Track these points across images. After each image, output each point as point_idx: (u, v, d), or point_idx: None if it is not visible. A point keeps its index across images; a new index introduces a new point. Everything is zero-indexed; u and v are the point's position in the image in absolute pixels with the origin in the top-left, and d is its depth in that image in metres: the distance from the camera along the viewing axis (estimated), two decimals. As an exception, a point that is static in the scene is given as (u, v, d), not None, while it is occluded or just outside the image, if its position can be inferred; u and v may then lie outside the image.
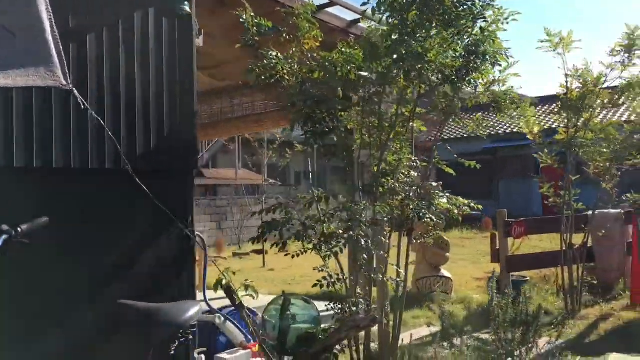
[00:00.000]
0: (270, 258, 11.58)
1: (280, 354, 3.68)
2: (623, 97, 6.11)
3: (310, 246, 3.90)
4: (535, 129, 6.45)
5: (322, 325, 3.86)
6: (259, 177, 20.62)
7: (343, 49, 4.02)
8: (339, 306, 4.02)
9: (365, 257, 3.84)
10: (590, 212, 7.15)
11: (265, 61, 4.03)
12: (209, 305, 4.38)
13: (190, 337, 2.75)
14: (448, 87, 4.37)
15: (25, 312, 2.98)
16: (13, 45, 2.24)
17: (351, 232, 3.72)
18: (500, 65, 4.10)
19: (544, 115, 19.43)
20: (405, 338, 5.32)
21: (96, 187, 3.30)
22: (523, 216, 7.67)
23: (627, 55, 5.85)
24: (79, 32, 3.23)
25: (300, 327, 3.72)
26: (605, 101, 6.14)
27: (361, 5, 4.27)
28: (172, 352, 2.61)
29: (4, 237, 2.09)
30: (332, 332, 3.54)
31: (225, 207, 18.36)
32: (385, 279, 4.13)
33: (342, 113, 4.19)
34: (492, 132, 22.61)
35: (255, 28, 3.91)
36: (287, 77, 4.16)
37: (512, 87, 4.49)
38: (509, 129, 20.69)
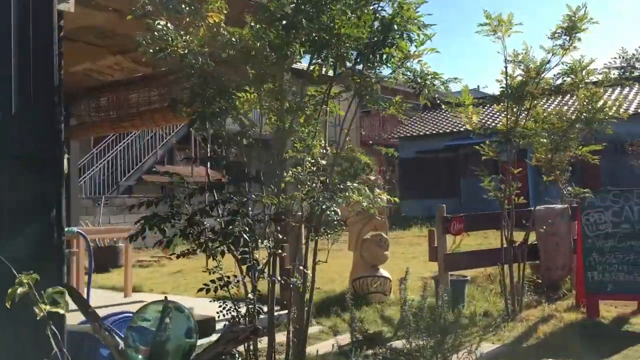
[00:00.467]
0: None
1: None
2: (565, 84, 5.72)
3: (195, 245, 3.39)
4: (474, 118, 6.03)
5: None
6: (218, 174, 20.00)
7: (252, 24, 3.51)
8: (227, 312, 3.52)
9: (248, 256, 3.32)
10: (535, 208, 6.79)
11: (156, 33, 3.49)
12: (88, 314, 3.81)
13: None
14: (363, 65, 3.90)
15: None
16: None
17: (231, 227, 3.19)
18: (412, 37, 3.62)
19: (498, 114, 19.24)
20: (325, 347, 4.85)
21: None
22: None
23: (567, 37, 5.46)
24: None
25: (177, 339, 3.18)
26: (547, 88, 5.74)
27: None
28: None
29: None
30: (208, 347, 3.01)
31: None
32: (282, 280, 3.61)
33: (241, 93, 3.67)
34: (454, 130, 22.41)
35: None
36: (181, 51, 3.62)
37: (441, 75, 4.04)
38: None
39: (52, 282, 3.26)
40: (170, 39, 3.53)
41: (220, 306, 3.59)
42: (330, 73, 4.10)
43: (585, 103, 5.58)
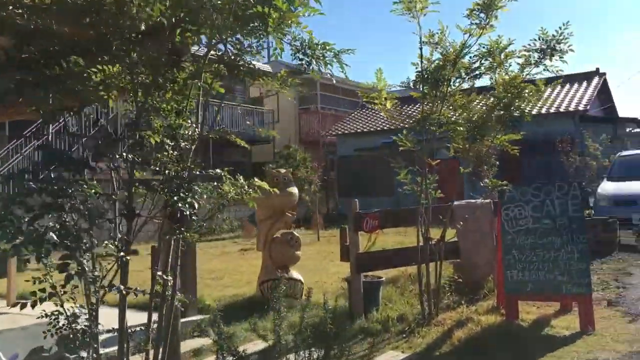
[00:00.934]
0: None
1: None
2: (483, 67, 5.26)
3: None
4: (388, 104, 5.51)
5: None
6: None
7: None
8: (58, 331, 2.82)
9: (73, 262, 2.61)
10: (454, 203, 6.34)
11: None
12: None
13: None
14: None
15: None
16: None
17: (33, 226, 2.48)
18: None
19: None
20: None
21: None
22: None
23: (484, 16, 5.00)
24: None
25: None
26: (464, 72, 5.27)
27: None
28: None
29: None
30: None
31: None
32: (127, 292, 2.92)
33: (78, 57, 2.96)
34: (392, 127, 22.13)
35: None
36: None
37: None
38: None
39: None
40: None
41: (50, 323, 2.89)
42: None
43: (503, 88, 5.14)
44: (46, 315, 2.85)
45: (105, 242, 2.93)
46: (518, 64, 5.42)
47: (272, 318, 5.39)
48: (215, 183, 3.11)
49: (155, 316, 3.17)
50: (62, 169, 2.58)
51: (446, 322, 5.35)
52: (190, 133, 3.30)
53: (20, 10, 2.75)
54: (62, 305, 2.87)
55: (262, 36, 3.43)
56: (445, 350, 4.76)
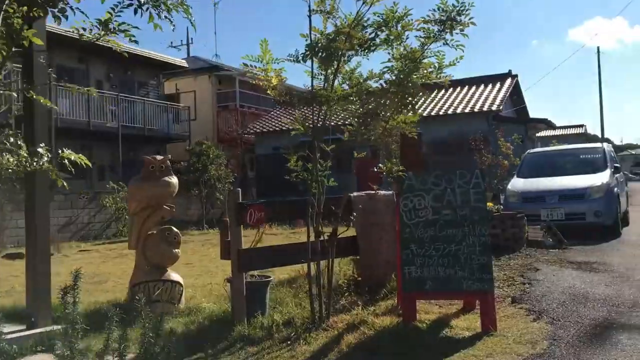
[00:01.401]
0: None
1: None
2: (379, 39, 4.71)
3: None
4: (274, 81, 4.85)
5: None
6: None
7: None
8: None
9: None
10: (353, 194, 5.79)
11: None
12: None
13: None
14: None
15: None
16: None
17: None
18: None
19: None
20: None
21: None
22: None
23: (377, -22, 4.44)
24: None
25: None
26: (357, 45, 4.70)
27: None
28: None
29: None
30: None
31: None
32: None
33: None
34: (310, 125, 21.63)
35: None
36: None
37: None
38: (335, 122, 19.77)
39: None
40: None
41: None
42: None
43: (401, 62, 4.60)
44: None
45: None
46: (417, 38, 4.91)
47: (140, 327, 4.61)
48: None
49: None
50: None
51: (338, 326, 4.75)
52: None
53: None
54: None
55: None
56: (331, 358, 4.14)
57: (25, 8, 2.74)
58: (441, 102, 20.73)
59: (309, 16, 4.72)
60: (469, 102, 20.27)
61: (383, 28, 4.61)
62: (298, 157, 5.04)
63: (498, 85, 21.11)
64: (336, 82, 4.92)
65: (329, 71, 4.83)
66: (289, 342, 4.51)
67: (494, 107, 19.14)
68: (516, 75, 21.93)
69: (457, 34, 4.72)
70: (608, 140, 37.06)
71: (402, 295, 4.99)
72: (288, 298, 5.70)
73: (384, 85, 4.64)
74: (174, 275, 5.62)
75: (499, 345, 4.23)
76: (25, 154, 2.41)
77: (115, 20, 3.24)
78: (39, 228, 4.80)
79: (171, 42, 40.95)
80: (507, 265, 7.39)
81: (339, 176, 5.87)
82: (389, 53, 4.83)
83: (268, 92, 5.00)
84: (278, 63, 4.88)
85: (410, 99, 4.61)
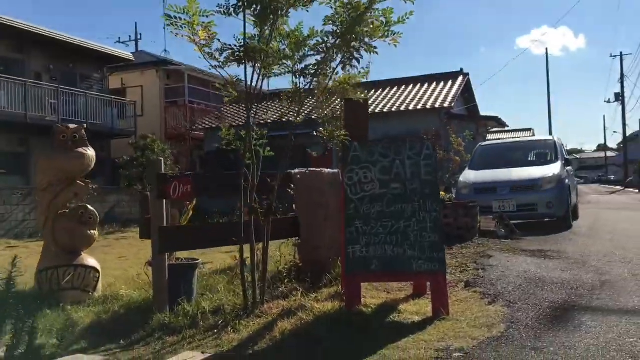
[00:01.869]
0: None
1: None
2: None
3: None
4: (201, 35, 4.26)
5: None
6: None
7: None
8: None
9: None
10: (294, 171, 5.25)
11: None
12: None
13: None
14: None
15: None
16: None
17: None
18: None
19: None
20: None
21: None
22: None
23: None
24: None
25: None
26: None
27: None
28: None
29: None
30: None
31: None
32: None
33: None
34: (262, 122, 21.01)
35: None
36: None
37: None
38: (280, 119, 19.26)
39: None
40: None
41: None
42: None
43: (344, 11, 4.08)
44: None
45: None
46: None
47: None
48: None
49: None
50: None
51: (272, 313, 4.19)
52: None
53: None
54: None
55: None
56: (262, 346, 3.58)
57: None
58: (394, 99, 20.53)
59: (241, -39, 4.15)
60: (421, 98, 20.11)
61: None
62: (231, 126, 4.46)
63: (450, 82, 21.04)
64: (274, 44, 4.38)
65: (265, 28, 4.27)
66: (215, 331, 3.93)
67: (445, 104, 19.00)
68: (467, 74, 21.95)
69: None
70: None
71: (345, 277, 4.47)
72: (222, 285, 5.10)
73: (326, 38, 4.11)
74: (89, 260, 4.95)
75: (452, 329, 3.76)
76: None
77: None
78: None
79: (119, 38, 39.38)
80: (460, 254, 7.00)
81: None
82: (331, 7, 4.31)
83: (195, 49, 4.39)
84: (207, 16, 4.29)
85: (355, 54, 4.10)
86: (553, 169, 10.57)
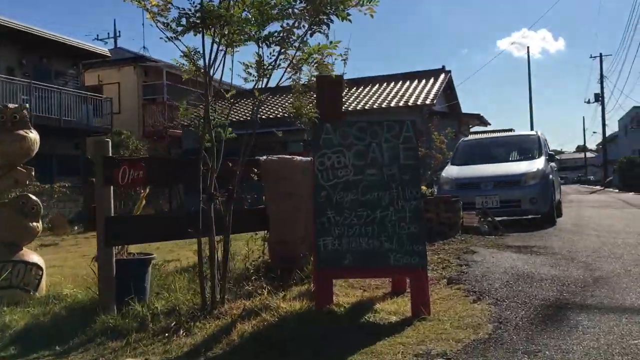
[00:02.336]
0: None
1: None
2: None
3: None
4: (153, 1, 3.78)
5: None
6: None
7: None
8: None
9: None
10: (263, 158, 4.79)
11: None
12: None
13: None
14: None
15: None
16: None
17: None
18: None
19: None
20: None
21: None
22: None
23: None
24: None
25: None
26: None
27: None
28: None
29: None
30: None
31: None
32: None
33: None
34: (241, 119, 20.55)
35: None
36: None
37: None
38: (244, 117, 18.82)
39: None
40: None
41: None
42: None
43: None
44: None
45: None
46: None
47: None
48: None
49: None
50: None
51: (233, 313, 3.72)
52: None
53: None
54: None
55: None
56: (216, 352, 3.12)
57: None
58: (376, 96, 20.20)
59: None
60: (403, 96, 19.80)
61: None
62: (189, 103, 3.99)
63: (432, 80, 20.75)
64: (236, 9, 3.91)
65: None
66: (166, 335, 3.46)
67: (427, 101, 18.70)
68: (449, 71, 21.70)
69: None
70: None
71: (315, 273, 4.02)
72: (182, 284, 4.61)
73: (293, 2, 3.65)
74: (32, 256, 4.43)
75: (433, 330, 3.34)
76: None
77: None
78: None
79: (97, 35, 38.54)
80: (442, 249, 6.59)
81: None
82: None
83: (147, 18, 3.91)
84: (162, -19, 3.82)
85: (325, 19, 3.65)
86: (537, 165, 10.25)
